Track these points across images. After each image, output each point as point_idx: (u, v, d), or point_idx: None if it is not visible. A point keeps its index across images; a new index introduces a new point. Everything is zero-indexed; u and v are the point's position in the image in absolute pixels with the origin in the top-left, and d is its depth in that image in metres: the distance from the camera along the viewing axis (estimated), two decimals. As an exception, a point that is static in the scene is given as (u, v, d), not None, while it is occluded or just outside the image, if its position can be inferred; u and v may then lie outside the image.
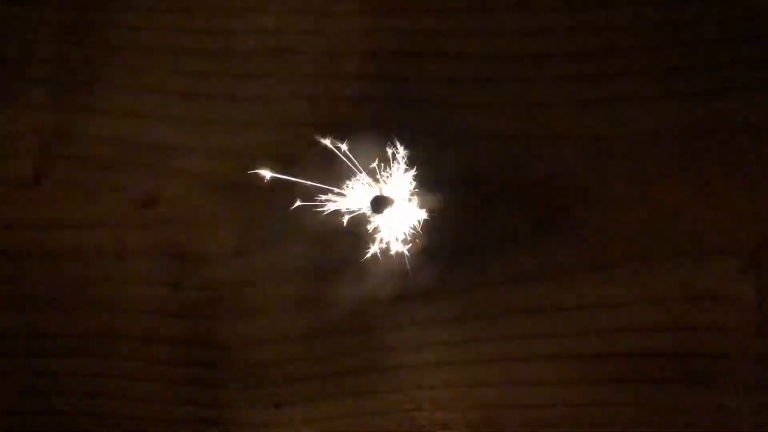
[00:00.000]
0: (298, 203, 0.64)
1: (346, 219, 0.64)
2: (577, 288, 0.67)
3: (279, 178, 0.65)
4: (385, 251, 0.65)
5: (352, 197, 0.64)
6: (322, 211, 0.64)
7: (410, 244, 0.65)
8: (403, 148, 0.63)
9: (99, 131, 0.69)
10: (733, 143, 0.66)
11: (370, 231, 0.65)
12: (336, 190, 0.64)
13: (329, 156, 0.64)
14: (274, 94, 0.68)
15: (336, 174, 0.64)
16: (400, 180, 0.64)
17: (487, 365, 0.68)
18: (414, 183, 0.64)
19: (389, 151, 0.63)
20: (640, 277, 0.67)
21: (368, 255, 0.65)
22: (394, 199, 0.65)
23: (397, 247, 0.65)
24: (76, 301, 0.69)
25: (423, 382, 0.68)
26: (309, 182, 0.64)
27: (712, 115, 0.66)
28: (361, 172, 0.64)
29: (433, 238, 0.66)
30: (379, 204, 0.65)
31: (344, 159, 0.64)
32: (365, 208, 0.65)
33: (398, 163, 0.63)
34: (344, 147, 0.63)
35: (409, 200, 0.65)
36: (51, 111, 0.69)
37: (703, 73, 0.66)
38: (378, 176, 0.64)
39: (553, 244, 0.67)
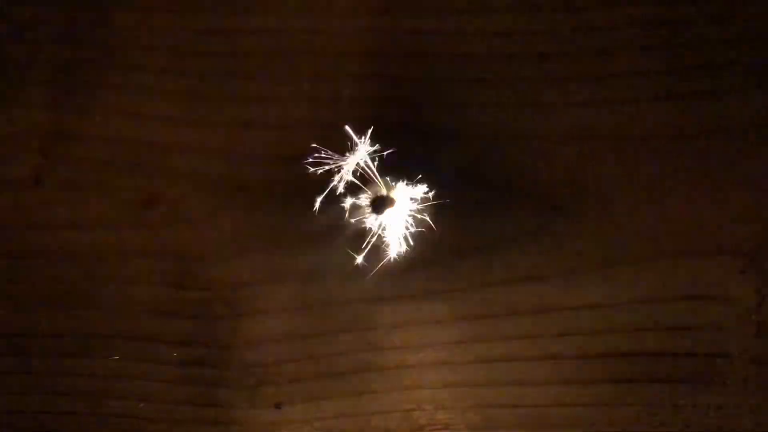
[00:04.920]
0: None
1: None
2: (578, 288, 0.67)
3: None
4: (386, 251, 0.65)
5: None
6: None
7: (410, 245, 0.65)
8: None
9: (98, 131, 0.69)
10: (733, 143, 0.66)
11: (371, 230, 0.65)
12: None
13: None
14: (274, 94, 0.68)
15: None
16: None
17: (487, 365, 0.68)
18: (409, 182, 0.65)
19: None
20: (640, 277, 0.67)
21: (368, 255, 0.65)
22: (395, 199, 0.65)
23: (398, 247, 0.65)
24: (76, 301, 0.69)
25: (423, 382, 0.68)
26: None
27: (712, 115, 0.66)
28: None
29: (433, 239, 0.66)
30: (380, 204, 0.65)
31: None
32: (367, 205, 0.65)
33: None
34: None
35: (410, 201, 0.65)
36: (51, 111, 0.69)
37: (703, 73, 0.66)
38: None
39: (554, 244, 0.67)
